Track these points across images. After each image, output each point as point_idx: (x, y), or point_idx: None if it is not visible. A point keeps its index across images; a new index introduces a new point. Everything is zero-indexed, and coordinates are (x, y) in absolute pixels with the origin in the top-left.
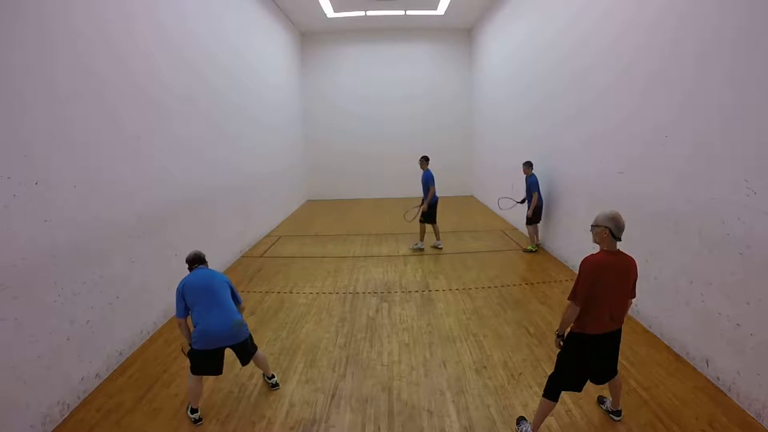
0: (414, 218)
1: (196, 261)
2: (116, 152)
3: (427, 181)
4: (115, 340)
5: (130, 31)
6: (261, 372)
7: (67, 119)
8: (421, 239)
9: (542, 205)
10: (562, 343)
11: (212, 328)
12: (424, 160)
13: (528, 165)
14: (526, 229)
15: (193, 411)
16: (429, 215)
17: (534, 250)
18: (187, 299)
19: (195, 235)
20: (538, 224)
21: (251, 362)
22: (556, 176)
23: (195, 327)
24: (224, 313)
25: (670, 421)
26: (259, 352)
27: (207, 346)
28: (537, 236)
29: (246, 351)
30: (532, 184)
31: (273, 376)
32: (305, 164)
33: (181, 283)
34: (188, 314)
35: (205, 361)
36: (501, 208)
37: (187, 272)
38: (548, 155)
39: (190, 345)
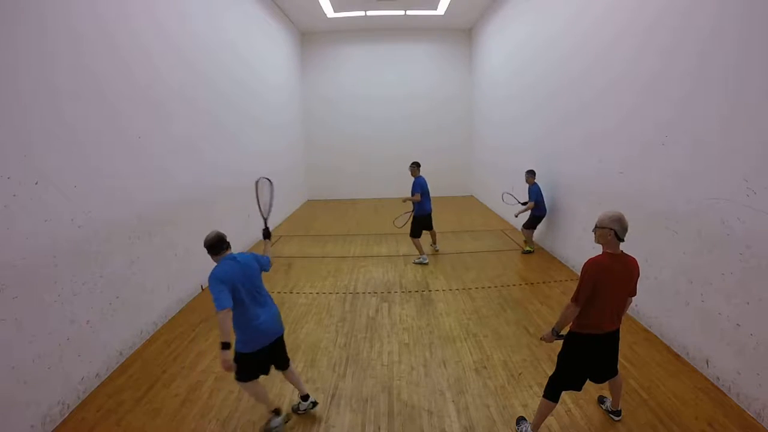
0: (404, 224)
1: (224, 245)
2: (116, 152)
3: (413, 188)
4: (115, 340)
5: (130, 31)
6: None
7: (67, 119)
8: (420, 252)
9: (543, 214)
10: (554, 339)
11: (262, 325)
12: (415, 166)
13: (531, 174)
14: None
15: (277, 413)
16: (413, 228)
17: (531, 251)
18: (233, 293)
19: (195, 235)
20: (533, 230)
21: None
22: (556, 176)
23: (241, 327)
24: (269, 308)
25: (670, 421)
26: (291, 364)
27: (257, 346)
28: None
29: (283, 347)
30: (531, 194)
31: (308, 396)
32: (305, 164)
33: (219, 272)
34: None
35: (257, 364)
36: (504, 202)
37: (207, 255)
38: (548, 155)
39: (229, 349)
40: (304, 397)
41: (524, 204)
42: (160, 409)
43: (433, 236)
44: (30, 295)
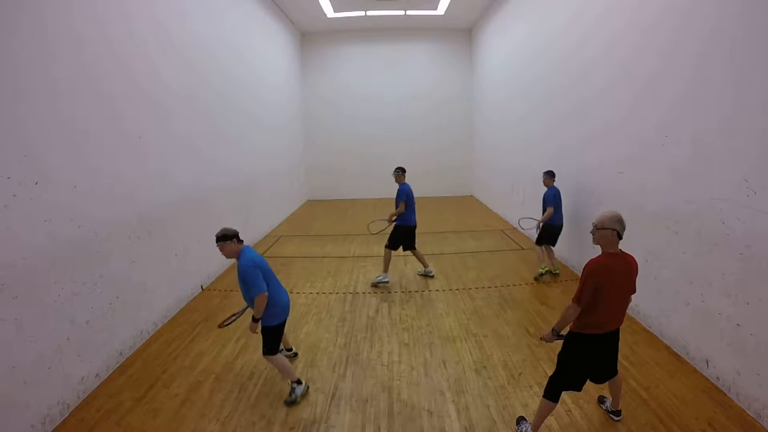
0: (380, 231)
1: (238, 236)
2: (116, 152)
3: (398, 196)
4: (115, 340)
5: (130, 31)
6: (260, 371)
7: (67, 119)
8: (385, 269)
9: (559, 225)
10: (554, 339)
11: (285, 300)
12: (400, 172)
13: (548, 175)
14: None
15: (299, 383)
16: (398, 239)
17: (544, 272)
18: (264, 275)
19: (195, 235)
20: (551, 246)
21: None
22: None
23: (271, 302)
24: (283, 289)
25: (670, 421)
26: None
27: (281, 319)
28: (551, 260)
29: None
30: (547, 198)
31: (291, 349)
32: (305, 164)
33: (250, 260)
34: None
35: (279, 335)
36: (522, 228)
37: (217, 247)
38: (548, 155)
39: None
40: (288, 350)
41: (539, 220)
42: (160, 409)
43: (421, 258)
44: (30, 295)
